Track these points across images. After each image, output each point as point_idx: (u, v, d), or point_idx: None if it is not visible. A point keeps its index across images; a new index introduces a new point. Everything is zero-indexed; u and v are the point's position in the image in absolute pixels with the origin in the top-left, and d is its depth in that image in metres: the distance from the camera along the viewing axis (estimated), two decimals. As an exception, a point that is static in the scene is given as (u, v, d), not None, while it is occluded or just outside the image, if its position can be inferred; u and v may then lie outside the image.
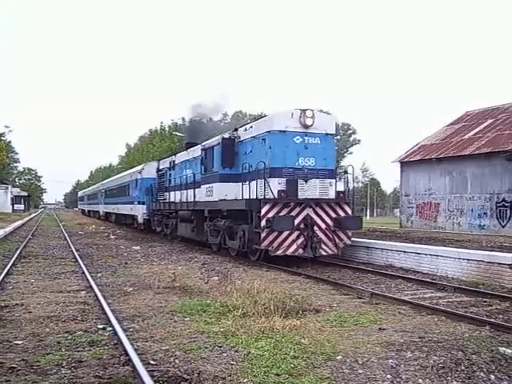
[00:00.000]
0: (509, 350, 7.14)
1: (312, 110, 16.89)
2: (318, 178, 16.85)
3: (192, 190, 22.39)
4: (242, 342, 7.59)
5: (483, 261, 13.44)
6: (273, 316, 8.74)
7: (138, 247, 23.82)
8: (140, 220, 35.16)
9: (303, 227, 16.23)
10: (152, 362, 6.81)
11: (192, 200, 22.39)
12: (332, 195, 17.17)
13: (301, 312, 9.35)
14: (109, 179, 61.85)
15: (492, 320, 9.06)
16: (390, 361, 6.80)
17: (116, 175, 57.32)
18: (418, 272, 15.27)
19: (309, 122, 16.67)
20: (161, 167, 30.98)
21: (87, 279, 13.62)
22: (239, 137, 18.98)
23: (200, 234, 22.23)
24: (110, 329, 8.45)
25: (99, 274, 14.86)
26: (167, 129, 54.69)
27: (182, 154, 26.39)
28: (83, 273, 14.92)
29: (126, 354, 6.97)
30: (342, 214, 16.93)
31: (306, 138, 16.75)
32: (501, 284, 12.69)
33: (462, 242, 17.74)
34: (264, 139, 16.95)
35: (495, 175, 29.73)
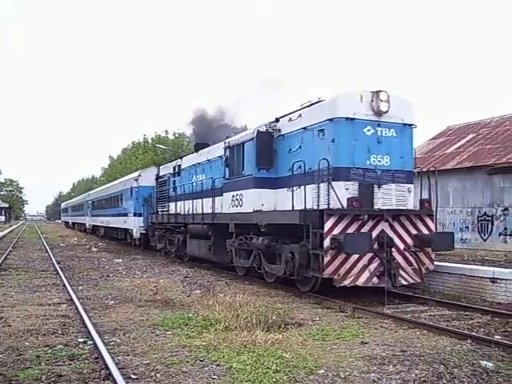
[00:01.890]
0: (490, 364, 7.18)
1: (386, 92, 12.94)
2: (393, 183, 13.07)
3: (209, 199, 18.36)
4: (223, 356, 7.55)
5: (465, 274, 13.49)
6: (255, 330, 8.73)
7: (120, 260, 23.70)
8: (135, 235, 30.47)
9: (377, 248, 12.37)
10: (133, 376, 6.76)
11: (209, 211, 18.31)
12: (410, 205, 13.46)
13: (283, 326, 9.33)
14: (97, 189, 57.06)
15: (473, 334, 9.10)
16: (372, 375, 6.80)
17: (105, 184, 52.33)
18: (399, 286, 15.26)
19: (383, 107, 12.87)
20: (161, 173, 27.00)
21: (68, 292, 13.53)
22: (279, 130, 14.96)
23: (220, 254, 18.06)
24: (91, 342, 8.39)
25: (80, 287, 14.75)
26: (150, 141, 54.55)
27: (191, 157, 22.39)
28: (64, 285, 14.82)
29: (107, 368, 6.91)
30: (423, 229, 13.17)
31: (379, 128, 12.97)
32: (482, 297, 12.75)
33: (443, 255, 17.80)
34: (322, 130, 12.99)
35: (477, 189, 29.94)
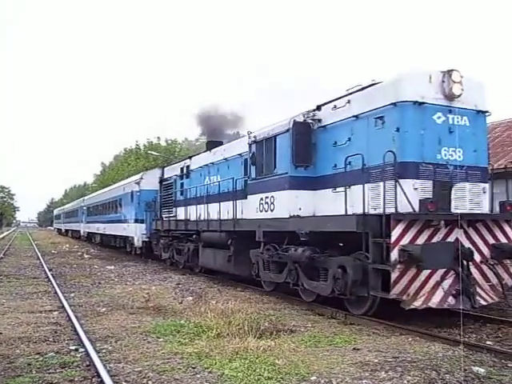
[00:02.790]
0: (481, 370, 7.20)
1: (459, 72, 10.79)
2: (467, 181, 10.95)
3: (228, 203, 16.23)
4: (215, 363, 7.54)
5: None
6: (247, 336, 8.72)
7: (112, 267, 23.61)
8: (137, 243, 27.94)
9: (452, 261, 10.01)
10: (125, 383, 6.74)
11: (229, 217, 16.21)
12: (486, 208, 11.35)
13: (275, 332, 9.33)
14: (93, 194, 54.28)
15: (465, 339, 9.11)
16: (364, 381, 6.81)
17: (101, 189, 49.34)
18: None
19: (457, 89, 10.74)
20: (166, 176, 24.93)
21: (60, 299, 13.50)
22: (319, 120, 12.77)
23: (241, 266, 15.80)
24: (83, 350, 8.37)
25: (72, 294, 14.70)
26: (142, 148, 54.56)
27: (204, 156, 20.28)
28: (56, 293, 14.78)
29: (99, 375, 6.90)
30: (501, 237, 11.07)
31: (451, 116, 10.84)
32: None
33: None
34: (381, 117, 10.89)
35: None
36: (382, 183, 10.46)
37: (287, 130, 12.88)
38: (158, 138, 54.95)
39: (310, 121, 12.86)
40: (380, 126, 10.90)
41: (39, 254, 32.01)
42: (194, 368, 7.39)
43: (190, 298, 13.55)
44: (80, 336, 9.16)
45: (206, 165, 19.32)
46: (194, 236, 19.58)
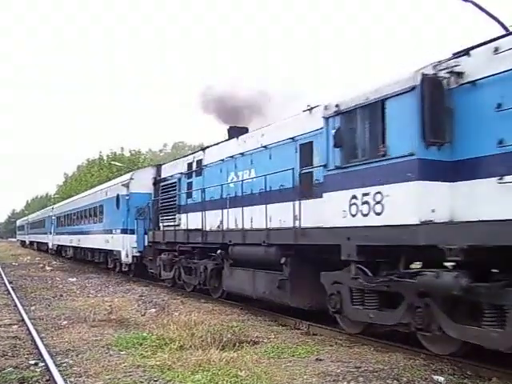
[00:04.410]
0: (441, 378, 7.34)
1: None
2: None
3: (285, 205, 11.78)
4: (178, 376, 7.51)
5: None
6: (210, 348, 8.72)
7: (74, 279, 23.32)
8: (125, 258, 22.79)
9: None
10: (85, 398, 6.67)
11: (284, 225, 11.84)
12: None
13: (238, 344, 9.34)
14: (64, 201, 46.91)
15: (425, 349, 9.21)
16: (326, 392, 6.85)
17: (76, 195, 42.32)
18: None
19: None
20: (165, 175, 20.71)
21: (20, 312, 13.30)
22: (461, 74, 8.31)
23: (303, 296, 11.51)
24: (43, 364, 8.26)
25: (33, 307, 14.48)
26: (106, 158, 54.34)
27: (226, 146, 15.87)
28: (16, 306, 14.56)
29: (58, 390, 6.80)
30: None
31: None
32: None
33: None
34: None
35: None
36: None
37: (410, 89, 8.51)
38: (122, 148, 54.80)
39: (446, 75, 8.51)
40: None
41: (-1, 266, 31.43)
42: (156, 381, 7.35)
43: (153, 309, 13.48)
44: (40, 350, 9.03)
45: (231, 157, 15.03)
46: (220, 251, 14.72)
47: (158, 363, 8.19)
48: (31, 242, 67.97)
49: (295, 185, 11.58)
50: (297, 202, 11.23)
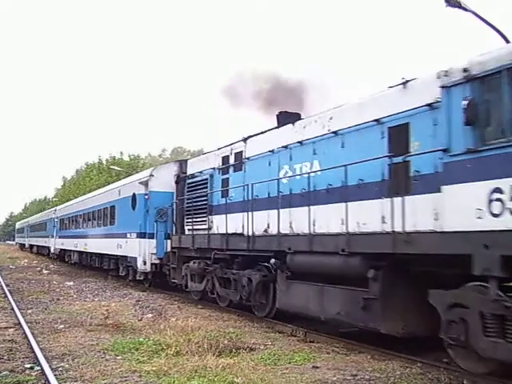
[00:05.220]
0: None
1: None
2: None
3: (378, 203, 9.47)
4: (174, 382, 7.49)
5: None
6: (206, 354, 8.70)
7: (71, 283, 23.30)
8: (141, 266, 19.75)
9: None
10: (80, 402, 6.65)
11: (371, 229, 9.56)
12: None
13: (234, 350, 9.32)
14: (69, 202, 43.52)
15: (422, 358, 9.19)
16: (322, 399, 6.83)
17: (83, 196, 38.90)
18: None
19: None
20: (191, 171, 18.10)
21: (16, 316, 13.29)
22: None
23: (397, 320, 9.06)
24: (38, 368, 8.25)
25: (29, 311, 14.47)
26: (105, 162, 54.41)
27: (278, 134, 13.22)
28: (12, 309, 14.56)
29: (54, 394, 6.78)
30: None
31: None
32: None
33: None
34: None
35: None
36: None
37: None
38: (121, 152, 54.88)
39: None
40: None
41: (-4, 269, 31.40)
42: (152, 386, 7.33)
43: (150, 315, 13.45)
44: (36, 354, 9.01)
45: (285, 147, 12.56)
46: (273, 261, 12.14)
47: (154, 368, 8.17)
48: (31, 246, 64.99)
49: (384, 178, 9.39)
50: (386, 200, 9.07)
